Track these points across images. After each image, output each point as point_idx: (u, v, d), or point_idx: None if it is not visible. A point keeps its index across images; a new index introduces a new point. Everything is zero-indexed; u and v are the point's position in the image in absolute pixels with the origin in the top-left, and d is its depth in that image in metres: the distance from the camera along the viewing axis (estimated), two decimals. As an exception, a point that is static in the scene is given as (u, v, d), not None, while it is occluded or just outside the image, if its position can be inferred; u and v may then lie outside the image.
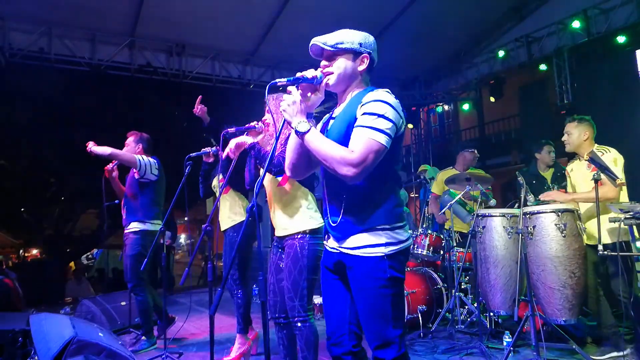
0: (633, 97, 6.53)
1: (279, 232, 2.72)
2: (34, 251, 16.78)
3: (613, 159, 3.30)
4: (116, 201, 6.10)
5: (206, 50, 7.80)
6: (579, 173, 3.52)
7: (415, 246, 4.83)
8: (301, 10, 7.04)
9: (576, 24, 7.09)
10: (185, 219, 17.68)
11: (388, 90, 1.81)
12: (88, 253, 16.02)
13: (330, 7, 6.91)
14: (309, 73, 1.84)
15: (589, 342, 3.60)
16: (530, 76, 9.03)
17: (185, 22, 7.13)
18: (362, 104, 1.77)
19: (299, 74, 1.85)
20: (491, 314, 3.98)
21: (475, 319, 4.23)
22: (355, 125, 1.75)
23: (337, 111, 1.95)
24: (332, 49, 1.85)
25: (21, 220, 14.87)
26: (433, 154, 10.79)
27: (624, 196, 3.32)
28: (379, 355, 1.76)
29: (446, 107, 10.15)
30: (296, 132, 1.79)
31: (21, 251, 16.39)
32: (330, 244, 1.92)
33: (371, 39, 1.92)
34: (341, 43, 1.85)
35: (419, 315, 4.19)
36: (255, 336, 3.76)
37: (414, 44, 7.78)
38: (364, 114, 1.74)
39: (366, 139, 1.69)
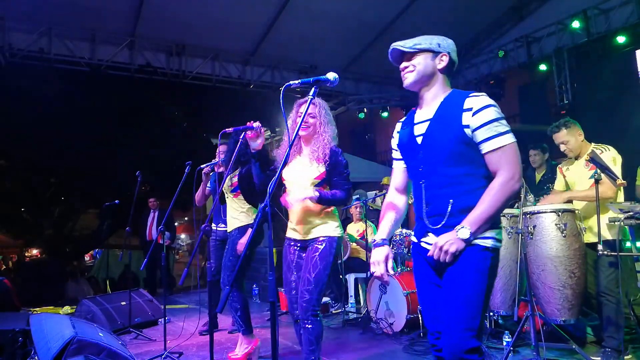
0: (633, 97, 6.52)
1: (305, 236, 2.75)
2: (34, 251, 16.74)
3: (612, 157, 3.25)
4: (116, 202, 6.11)
5: (206, 50, 7.81)
6: (576, 172, 3.46)
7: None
8: (301, 11, 7.04)
9: (576, 24, 7.10)
10: (185, 219, 17.67)
11: (484, 93, 1.86)
12: (93, 251, 16.05)
13: (329, 7, 6.92)
14: (331, 75, 1.94)
15: (589, 342, 3.59)
16: (530, 76, 9.03)
17: (185, 22, 7.14)
18: (471, 111, 1.79)
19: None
20: (491, 314, 3.98)
21: (475, 319, 4.22)
22: (479, 142, 1.79)
23: (426, 114, 1.94)
24: (411, 50, 1.91)
25: (21, 220, 14.83)
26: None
27: (620, 195, 3.27)
28: (470, 344, 1.75)
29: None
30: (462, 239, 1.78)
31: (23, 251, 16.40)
32: (430, 239, 1.90)
33: (449, 40, 1.95)
34: (419, 44, 1.91)
35: (419, 315, 4.19)
36: (256, 343, 3.64)
37: (414, 44, 7.79)
38: (483, 125, 1.77)
39: (502, 151, 1.76)
